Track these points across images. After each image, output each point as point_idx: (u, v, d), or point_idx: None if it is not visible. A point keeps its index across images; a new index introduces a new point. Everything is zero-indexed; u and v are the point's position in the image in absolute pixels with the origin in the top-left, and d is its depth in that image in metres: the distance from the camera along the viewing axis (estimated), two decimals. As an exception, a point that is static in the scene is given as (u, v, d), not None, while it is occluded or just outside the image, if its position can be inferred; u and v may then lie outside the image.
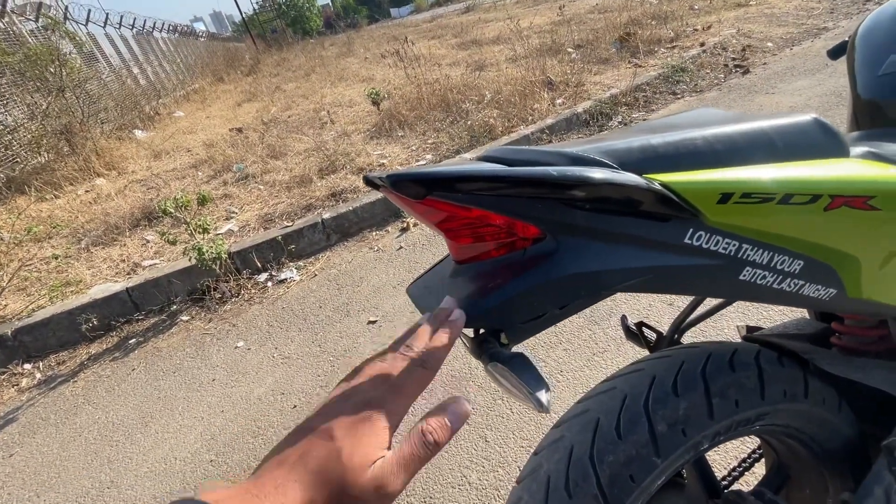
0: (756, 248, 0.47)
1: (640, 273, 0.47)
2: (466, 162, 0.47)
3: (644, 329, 0.96)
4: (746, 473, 0.97)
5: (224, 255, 2.73)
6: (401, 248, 2.84)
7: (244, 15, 31.01)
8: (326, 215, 3.13)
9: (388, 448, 0.31)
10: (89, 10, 9.87)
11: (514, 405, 1.58)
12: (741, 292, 0.51)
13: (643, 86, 4.28)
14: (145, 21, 13.72)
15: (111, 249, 3.56)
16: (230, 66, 14.75)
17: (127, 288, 2.78)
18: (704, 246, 0.47)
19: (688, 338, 0.98)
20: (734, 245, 0.47)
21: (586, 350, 1.73)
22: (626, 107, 4.07)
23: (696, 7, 6.90)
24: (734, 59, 4.63)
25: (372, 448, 0.30)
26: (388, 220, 3.20)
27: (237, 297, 2.77)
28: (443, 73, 5.75)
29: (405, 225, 3.07)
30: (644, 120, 3.91)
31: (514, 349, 0.53)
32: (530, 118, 4.12)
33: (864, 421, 0.75)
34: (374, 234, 3.12)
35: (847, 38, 0.96)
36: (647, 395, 0.61)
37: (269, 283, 2.83)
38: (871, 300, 0.54)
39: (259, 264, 2.93)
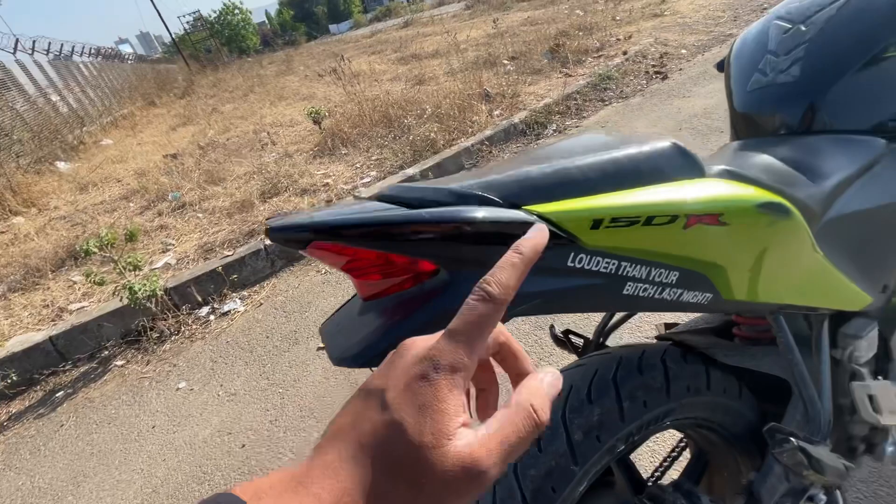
0: (633, 265, 0.52)
1: (530, 297, 0.50)
2: (355, 203, 0.49)
3: (570, 336, 1.00)
4: (675, 463, 1.03)
5: (160, 292, 2.59)
6: (349, 268, 2.81)
7: (174, 35, 29.74)
8: (269, 241, 3.03)
9: (465, 411, 0.25)
10: (-5, 36, 9.12)
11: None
12: (627, 305, 0.55)
13: (574, 94, 4.50)
14: (62, 45, 12.83)
15: (32, 295, 3.27)
16: (162, 88, 14.08)
17: (50, 336, 2.56)
18: (587, 267, 0.50)
19: (613, 340, 1.04)
20: (613, 264, 0.51)
21: (533, 356, 1.78)
22: (560, 115, 4.26)
23: (618, 18, 7.36)
24: (654, 65, 4.97)
25: (446, 417, 0.24)
26: (334, 241, 3.15)
27: (177, 334, 2.62)
28: (383, 88, 5.78)
29: (352, 245, 3.04)
30: (577, 127, 4.10)
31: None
32: (470, 130, 4.21)
33: (763, 402, 0.82)
34: (321, 256, 3.06)
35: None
36: (564, 405, 0.64)
37: (212, 317, 2.71)
38: (744, 301, 0.59)
39: (199, 298, 2.79)
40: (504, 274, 0.27)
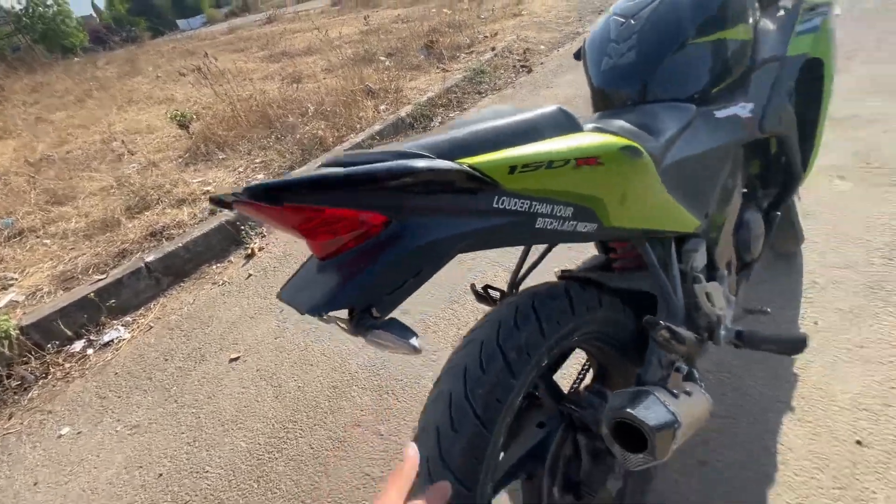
0: (541, 203, 0.66)
1: (467, 236, 0.61)
2: (312, 170, 0.55)
3: (489, 290, 1.14)
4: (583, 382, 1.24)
5: (14, 332, 2.19)
6: (250, 276, 2.66)
7: (-36, 30, 23.94)
8: (150, 258, 2.73)
9: None
10: None
11: (400, 395, 1.67)
12: (540, 237, 0.70)
13: (453, 88, 4.76)
14: None
15: None
16: (-44, 96, 11.30)
17: None
18: (508, 207, 0.63)
19: (523, 288, 1.21)
20: (526, 203, 0.64)
21: (452, 328, 1.92)
22: (443, 107, 4.48)
23: (482, 16, 7.88)
24: (519, 60, 5.47)
25: None
26: (229, 250, 2.96)
27: (46, 377, 2.24)
28: (256, 88, 5.45)
29: (250, 251, 2.88)
30: (459, 117, 4.36)
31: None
32: (358, 126, 4.22)
33: (640, 313, 1.05)
34: (214, 267, 2.85)
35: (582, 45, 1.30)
36: (496, 334, 0.77)
37: (90, 350, 2.37)
38: (619, 227, 0.78)
39: (70, 332, 2.41)
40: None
